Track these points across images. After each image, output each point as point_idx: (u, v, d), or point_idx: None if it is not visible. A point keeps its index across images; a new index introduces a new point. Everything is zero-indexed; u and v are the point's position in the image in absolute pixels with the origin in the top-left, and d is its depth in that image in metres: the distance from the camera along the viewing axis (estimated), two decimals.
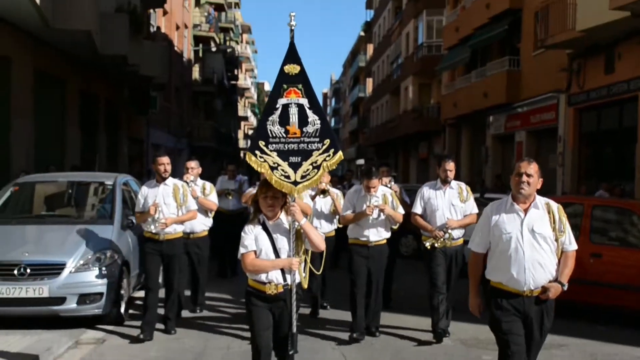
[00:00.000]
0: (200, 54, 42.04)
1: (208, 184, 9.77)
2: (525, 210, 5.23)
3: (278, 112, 5.64)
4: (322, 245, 5.50)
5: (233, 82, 54.53)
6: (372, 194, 8.09)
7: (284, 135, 5.61)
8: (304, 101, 5.67)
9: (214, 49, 43.52)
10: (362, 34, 71.53)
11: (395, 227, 8.50)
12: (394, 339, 8.41)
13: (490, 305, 5.33)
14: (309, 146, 5.66)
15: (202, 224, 9.42)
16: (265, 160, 5.57)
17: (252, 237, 5.31)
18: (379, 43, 58.01)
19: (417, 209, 8.39)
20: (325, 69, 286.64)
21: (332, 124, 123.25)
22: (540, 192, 5.41)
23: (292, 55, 5.74)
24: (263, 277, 5.30)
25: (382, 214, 8.12)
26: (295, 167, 5.60)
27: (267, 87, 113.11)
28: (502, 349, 5.24)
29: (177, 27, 35.29)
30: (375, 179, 8.11)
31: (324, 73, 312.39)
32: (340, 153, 5.71)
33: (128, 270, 8.87)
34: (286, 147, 5.61)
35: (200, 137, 39.54)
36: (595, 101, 19.57)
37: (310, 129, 5.65)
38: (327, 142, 5.69)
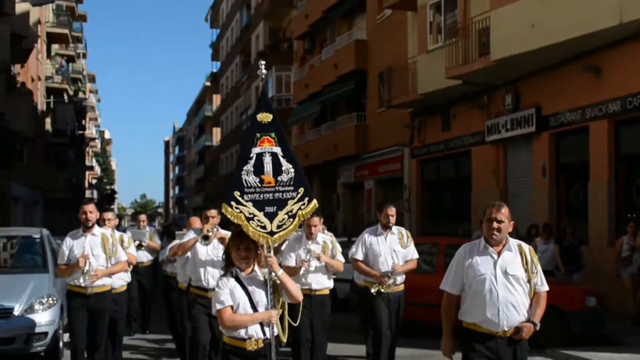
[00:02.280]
0: (52, 105, 42.08)
1: (126, 236, 9.63)
2: (499, 253, 5.28)
3: (252, 161, 5.58)
4: (300, 297, 5.44)
5: (81, 132, 54.35)
6: (312, 240, 8.06)
7: (259, 185, 5.55)
8: (278, 149, 5.64)
9: (66, 100, 43.66)
10: (208, 84, 73.23)
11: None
12: None
13: (462, 347, 5.31)
14: (284, 195, 5.60)
15: (120, 279, 8.93)
16: (241, 211, 5.48)
17: (228, 292, 5.11)
18: (226, 94, 59.89)
19: (359, 255, 8.32)
20: (168, 117, 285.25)
21: (176, 171, 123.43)
22: None
23: (264, 104, 5.78)
24: (242, 332, 5.11)
25: (318, 262, 8.01)
26: (271, 217, 5.54)
27: (108, 134, 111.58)
28: None
29: (32, 80, 35.45)
30: (316, 217, 7.94)
31: (167, 121, 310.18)
32: (314, 201, 5.69)
33: (62, 312, 9.88)
34: (261, 197, 5.55)
35: (54, 189, 39.43)
36: (435, 154, 22.44)
37: (284, 177, 5.61)
38: (301, 190, 5.64)
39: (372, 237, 8.35)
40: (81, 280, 7.64)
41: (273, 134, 5.64)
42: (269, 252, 5.49)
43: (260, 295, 5.19)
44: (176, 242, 9.41)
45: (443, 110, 21.46)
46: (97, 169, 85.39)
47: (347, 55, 28.23)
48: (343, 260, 8.34)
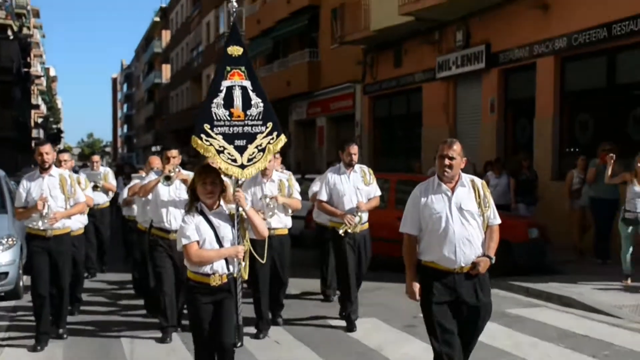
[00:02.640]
0: None
1: (82, 177, 9.48)
2: (452, 189, 5.26)
3: (222, 94, 5.57)
4: (266, 232, 5.44)
5: (26, 69, 53.04)
6: (268, 179, 8.01)
7: (229, 118, 5.55)
8: (247, 83, 5.64)
9: (10, 37, 42.43)
10: (157, 19, 71.72)
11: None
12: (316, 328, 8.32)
13: (422, 285, 5.32)
14: (253, 129, 5.62)
15: (78, 222, 8.75)
16: (211, 144, 5.49)
17: (193, 227, 5.07)
18: (176, 30, 58.89)
19: (323, 195, 8.22)
20: (115, 54, 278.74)
21: (125, 110, 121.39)
22: None
23: (234, 37, 5.73)
24: (207, 268, 5.09)
25: (275, 202, 7.95)
26: (241, 150, 5.56)
27: (53, 72, 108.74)
28: (432, 332, 5.23)
29: None
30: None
31: (114, 58, 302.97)
32: (283, 135, 5.77)
33: (22, 252, 9.91)
34: (231, 130, 5.55)
35: (0, 128, 38.68)
36: (387, 90, 22.67)
37: (253, 111, 5.63)
38: (269, 124, 5.67)
39: (335, 177, 8.21)
40: (40, 223, 7.37)
41: (243, 68, 5.65)
42: (237, 186, 5.51)
43: (226, 231, 5.16)
44: (135, 182, 9.49)
45: (395, 47, 21.59)
46: (43, 108, 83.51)
47: None
48: (300, 198, 8.31)
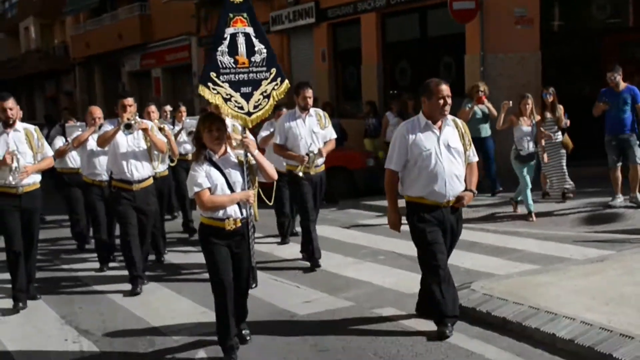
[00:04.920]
0: None
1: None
2: (439, 128, 5.50)
3: (226, 42, 5.58)
4: (275, 175, 5.52)
5: None
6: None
7: (234, 65, 5.56)
8: (250, 30, 5.66)
9: None
10: None
11: None
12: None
13: (411, 220, 5.55)
14: (258, 75, 5.65)
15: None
16: (218, 92, 5.50)
17: (204, 174, 5.12)
18: None
19: (279, 139, 8.19)
20: None
21: None
22: None
23: None
24: (220, 213, 5.19)
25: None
26: (247, 97, 5.58)
27: None
28: (428, 259, 5.51)
29: None
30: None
31: None
32: (287, 82, 5.83)
33: None
34: (237, 78, 5.56)
35: None
36: None
37: (257, 58, 5.66)
38: (273, 71, 5.71)
39: (290, 121, 8.16)
40: (10, 178, 7.00)
41: (245, 14, 5.70)
42: (244, 132, 5.62)
43: (236, 176, 5.25)
44: (77, 133, 9.08)
45: None
46: None
47: None
48: (335, 135, 8.53)
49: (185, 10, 25.29)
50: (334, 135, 8.47)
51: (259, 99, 5.65)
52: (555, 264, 7.56)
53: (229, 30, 5.62)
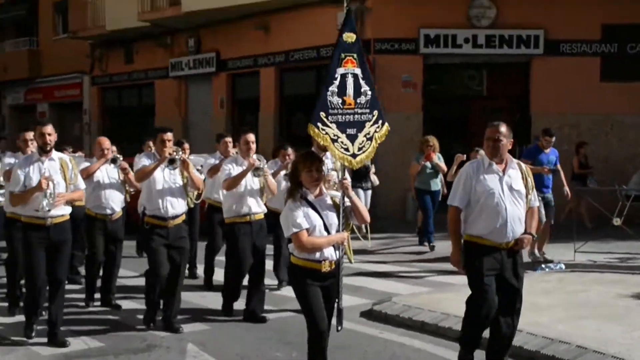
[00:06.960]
0: None
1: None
2: (503, 170, 5.64)
3: (337, 82, 5.55)
4: (368, 218, 5.56)
5: None
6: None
7: (341, 106, 5.56)
8: (358, 71, 5.65)
9: None
10: None
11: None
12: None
13: (469, 258, 5.65)
14: (362, 117, 5.66)
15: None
16: (326, 133, 5.48)
17: (302, 214, 5.14)
18: None
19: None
20: None
21: None
22: None
23: (349, 23, 5.73)
24: (317, 255, 5.19)
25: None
26: (352, 139, 5.58)
27: None
28: (479, 294, 5.58)
29: None
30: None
31: None
32: (387, 125, 5.82)
33: None
34: (344, 119, 5.56)
35: None
36: (117, 83, 25.14)
37: (362, 99, 5.66)
38: (375, 113, 5.73)
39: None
40: (44, 203, 6.67)
41: (355, 55, 5.68)
42: (345, 175, 5.65)
43: (332, 218, 5.30)
44: (85, 164, 8.55)
45: (126, 45, 24.10)
46: None
47: None
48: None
49: (78, 48, 25.89)
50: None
51: (362, 141, 5.69)
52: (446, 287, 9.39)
53: (340, 71, 5.63)
